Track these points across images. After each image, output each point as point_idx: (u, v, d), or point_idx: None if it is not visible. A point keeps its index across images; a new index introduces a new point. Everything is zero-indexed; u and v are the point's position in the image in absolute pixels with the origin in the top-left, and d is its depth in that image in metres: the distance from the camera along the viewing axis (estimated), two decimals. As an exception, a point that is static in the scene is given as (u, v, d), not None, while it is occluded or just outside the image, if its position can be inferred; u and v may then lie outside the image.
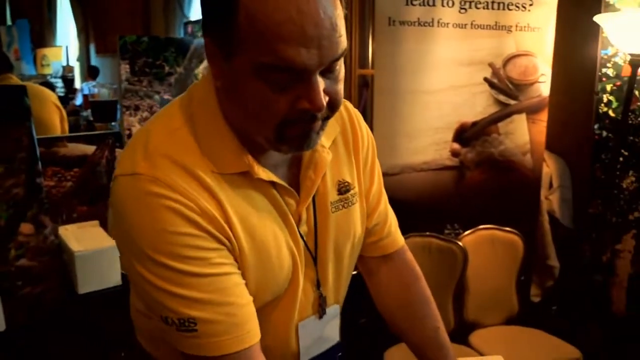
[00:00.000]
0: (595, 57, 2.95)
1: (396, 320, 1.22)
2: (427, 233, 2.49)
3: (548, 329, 2.49)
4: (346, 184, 1.05)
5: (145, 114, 2.92)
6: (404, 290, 1.21)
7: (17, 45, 10.47)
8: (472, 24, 2.60)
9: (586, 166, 3.07)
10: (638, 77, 2.55)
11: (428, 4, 2.56)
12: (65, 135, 3.35)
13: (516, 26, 2.64)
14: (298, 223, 0.98)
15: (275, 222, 0.94)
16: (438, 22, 2.57)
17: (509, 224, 2.61)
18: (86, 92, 7.82)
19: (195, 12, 7.43)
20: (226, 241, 0.87)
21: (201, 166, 0.86)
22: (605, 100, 2.97)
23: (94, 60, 10.05)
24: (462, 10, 2.59)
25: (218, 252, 0.86)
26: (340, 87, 0.85)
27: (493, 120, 2.71)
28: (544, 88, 2.72)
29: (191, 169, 0.85)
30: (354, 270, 1.17)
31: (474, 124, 2.69)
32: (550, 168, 3.09)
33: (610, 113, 2.96)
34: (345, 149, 1.06)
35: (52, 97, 3.85)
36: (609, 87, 2.95)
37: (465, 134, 2.69)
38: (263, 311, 0.96)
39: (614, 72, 2.93)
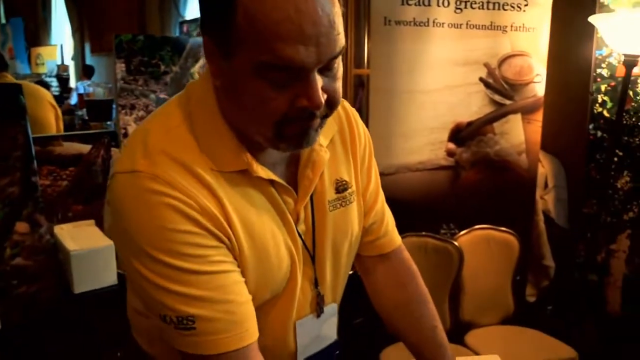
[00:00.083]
0: (590, 58, 2.96)
1: (393, 320, 1.22)
2: (423, 233, 2.49)
3: (543, 329, 2.50)
4: (344, 182, 1.05)
5: (141, 113, 2.91)
6: (401, 289, 1.21)
7: (12, 43, 10.43)
8: (467, 24, 2.61)
9: (581, 166, 3.07)
10: (632, 78, 2.56)
11: (424, 4, 2.56)
12: (60, 134, 3.34)
13: (511, 26, 2.64)
14: (296, 222, 0.98)
15: (274, 220, 0.94)
16: (433, 22, 2.58)
17: (505, 223, 2.62)
18: (81, 91, 7.79)
19: (190, 12, 7.41)
20: (225, 239, 0.87)
21: (200, 164, 0.86)
22: (599, 100, 2.97)
23: (89, 60, 10.02)
24: (458, 11, 2.59)
25: (217, 249, 0.86)
26: (339, 85, 0.86)
27: (488, 120, 2.71)
28: (539, 88, 2.72)
29: (190, 167, 0.85)
30: (351, 270, 1.17)
31: (470, 123, 2.69)
32: (545, 168, 3.10)
33: (605, 113, 2.97)
34: (342, 148, 1.06)
35: (48, 96, 3.84)
36: (603, 88, 2.96)
37: (460, 134, 2.69)
38: (261, 310, 0.96)
39: (609, 73, 2.93)
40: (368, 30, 3.49)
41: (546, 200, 3.12)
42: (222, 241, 0.87)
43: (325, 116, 0.87)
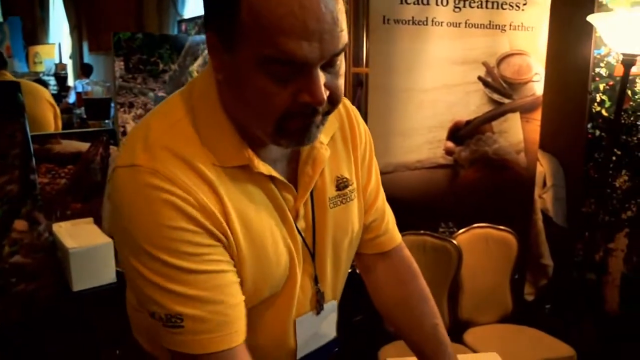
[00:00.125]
0: (589, 57, 2.96)
1: (394, 318, 1.22)
2: (422, 231, 2.49)
3: (542, 328, 2.50)
4: (344, 180, 1.05)
5: (140, 111, 2.91)
6: (401, 287, 1.21)
7: (9, 42, 10.41)
8: (466, 23, 2.61)
9: (579, 165, 3.08)
10: (630, 77, 2.56)
11: (422, 3, 2.56)
12: (59, 132, 3.34)
13: (510, 25, 2.64)
14: (295, 218, 0.98)
15: (272, 217, 0.94)
16: (432, 21, 2.58)
17: (503, 222, 2.62)
18: (79, 89, 7.80)
19: (189, 10, 7.41)
20: (222, 237, 0.87)
21: (201, 158, 0.86)
22: (598, 99, 2.98)
23: (87, 58, 10.01)
24: (457, 9, 2.59)
25: (213, 248, 0.86)
26: (341, 82, 0.86)
27: (487, 119, 2.71)
28: (538, 87, 2.73)
29: (191, 162, 0.85)
30: (350, 268, 1.17)
31: (468, 122, 2.69)
32: (543, 167, 3.11)
33: (603, 112, 2.98)
34: (343, 146, 1.07)
35: (46, 95, 3.84)
36: (602, 87, 2.96)
37: (459, 133, 2.70)
38: (261, 307, 0.96)
39: (607, 72, 2.94)
40: (367, 29, 3.49)
41: (545, 199, 3.12)
42: (218, 240, 0.86)
43: (327, 113, 0.86)
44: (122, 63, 2.86)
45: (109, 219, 2.41)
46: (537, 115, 2.75)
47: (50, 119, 3.73)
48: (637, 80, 2.85)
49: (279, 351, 1.05)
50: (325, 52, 0.78)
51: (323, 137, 0.98)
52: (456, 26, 2.60)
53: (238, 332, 0.87)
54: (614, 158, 2.93)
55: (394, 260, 1.21)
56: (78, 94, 7.65)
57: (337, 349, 1.18)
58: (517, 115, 2.73)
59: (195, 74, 3.05)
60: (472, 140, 2.71)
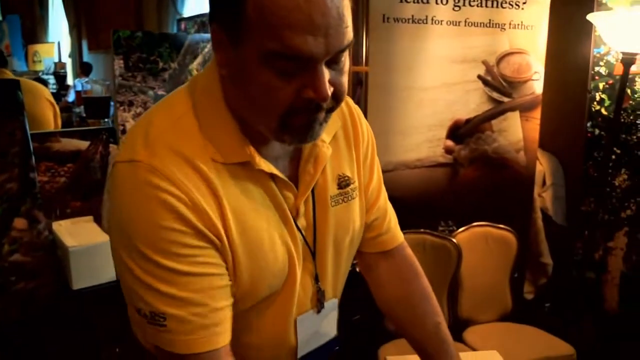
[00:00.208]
0: (588, 56, 2.97)
1: (396, 316, 1.22)
2: (421, 230, 2.49)
3: (541, 326, 2.50)
4: (346, 178, 1.05)
5: (139, 109, 2.91)
6: (403, 286, 1.20)
7: (8, 41, 10.40)
8: (465, 21, 2.61)
9: (579, 164, 3.08)
10: (630, 76, 2.56)
11: (422, 2, 2.56)
12: (58, 130, 3.33)
13: (510, 24, 2.64)
14: (296, 217, 0.98)
15: (271, 215, 0.94)
16: (432, 19, 2.58)
17: (503, 221, 2.63)
18: (79, 88, 7.79)
19: (188, 9, 7.40)
20: (215, 239, 0.87)
21: (201, 155, 0.86)
22: (597, 98, 2.98)
23: (86, 57, 10.00)
24: (456, 8, 2.59)
25: (203, 250, 0.86)
26: (345, 79, 0.85)
27: (486, 118, 2.72)
28: (537, 86, 2.73)
29: (190, 159, 0.85)
30: (350, 267, 1.17)
31: (468, 121, 2.70)
32: (543, 166, 3.11)
33: (603, 111, 2.98)
34: (345, 144, 1.06)
35: (45, 93, 3.82)
36: (601, 86, 2.96)
37: (458, 131, 2.70)
38: (261, 306, 0.96)
39: (607, 71, 2.94)
40: (366, 27, 3.48)
41: (544, 197, 3.13)
42: (210, 241, 0.86)
43: (330, 110, 0.86)
44: (121, 61, 2.85)
45: (106, 214, 2.41)
46: (537, 114, 2.75)
47: (49, 117, 3.72)
48: (636, 79, 2.85)
49: (280, 350, 1.05)
50: (331, 48, 0.78)
51: (325, 136, 0.98)
52: (456, 25, 2.60)
53: (221, 334, 0.87)
54: (613, 157, 2.94)
55: (396, 259, 1.21)
56: (77, 93, 7.64)
57: (337, 348, 1.18)
58: (516, 114, 2.73)
59: (194, 73, 3.05)
60: (472, 138, 2.71)
